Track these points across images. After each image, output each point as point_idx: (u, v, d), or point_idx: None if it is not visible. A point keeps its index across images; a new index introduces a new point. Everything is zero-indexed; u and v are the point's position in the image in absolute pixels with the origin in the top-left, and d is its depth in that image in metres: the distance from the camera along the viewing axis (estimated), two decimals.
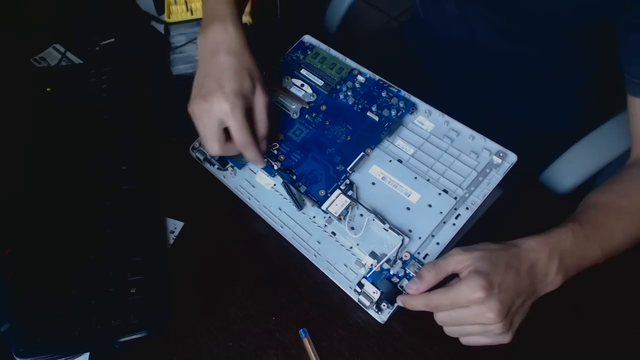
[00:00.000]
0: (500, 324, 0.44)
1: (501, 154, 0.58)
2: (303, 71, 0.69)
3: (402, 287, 0.53)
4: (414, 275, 0.53)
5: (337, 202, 0.58)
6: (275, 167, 0.62)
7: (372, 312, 0.53)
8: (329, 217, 0.58)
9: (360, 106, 0.65)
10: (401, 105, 0.64)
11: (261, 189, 0.62)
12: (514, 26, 0.65)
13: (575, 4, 0.56)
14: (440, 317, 0.47)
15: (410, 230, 0.56)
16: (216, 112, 0.54)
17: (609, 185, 0.54)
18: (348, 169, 0.60)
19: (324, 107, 0.66)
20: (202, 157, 0.64)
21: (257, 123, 0.58)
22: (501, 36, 0.68)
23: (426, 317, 0.48)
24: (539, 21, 0.61)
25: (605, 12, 0.55)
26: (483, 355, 0.51)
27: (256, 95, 0.57)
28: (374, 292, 0.52)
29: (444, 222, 0.56)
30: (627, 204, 0.51)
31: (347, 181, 0.60)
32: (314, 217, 0.59)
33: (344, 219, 0.57)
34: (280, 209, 0.60)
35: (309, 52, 0.71)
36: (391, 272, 0.53)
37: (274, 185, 0.62)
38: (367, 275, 0.54)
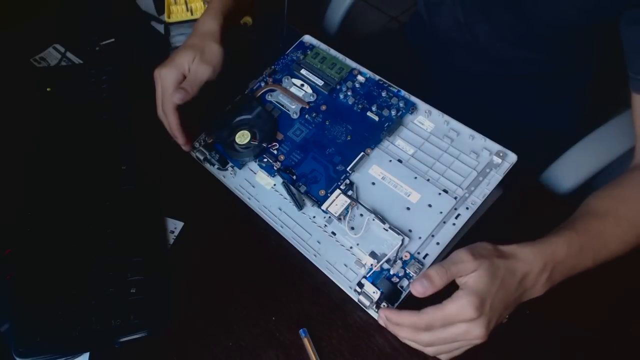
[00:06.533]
0: (486, 335, 0.44)
1: (501, 154, 0.58)
2: (303, 71, 0.69)
3: (402, 287, 0.53)
4: (414, 275, 0.53)
5: (337, 202, 0.58)
6: (275, 167, 0.62)
7: (372, 312, 0.53)
8: (329, 217, 0.58)
9: (360, 106, 0.65)
10: (401, 105, 0.64)
11: (261, 189, 0.62)
12: (519, 30, 0.65)
13: (581, 5, 0.56)
14: (425, 339, 0.46)
15: (410, 230, 0.56)
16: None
17: (609, 190, 0.54)
18: (348, 169, 0.60)
19: (324, 107, 0.66)
20: (202, 157, 0.64)
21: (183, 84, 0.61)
22: (504, 41, 0.68)
23: None
24: (546, 24, 0.61)
25: (612, 11, 0.55)
26: (480, 354, 0.51)
27: (193, 65, 0.62)
28: (374, 292, 0.52)
29: (444, 222, 0.56)
30: (625, 211, 0.51)
31: (347, 181, 0.60)
32: (314, 217, 0.59)
33: (344, 219, 0.57)
34: (280, 209, 0.60)
35: (309, 52, 0.71)
36: (391, 272, 0.53)
37: (274, 185, 0.62)
38: (367, 275, 0.54)
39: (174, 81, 0.61)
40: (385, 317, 0.48)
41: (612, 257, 0.50)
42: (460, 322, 0.43)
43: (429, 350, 0.47)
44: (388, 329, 0.48)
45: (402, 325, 0.47)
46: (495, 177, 0.58)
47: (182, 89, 0.60)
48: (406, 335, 0.47)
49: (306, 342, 0.53)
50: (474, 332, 0.44)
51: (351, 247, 0.56)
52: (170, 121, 0.62)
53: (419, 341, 0.46)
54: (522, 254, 0.46)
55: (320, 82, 0.67)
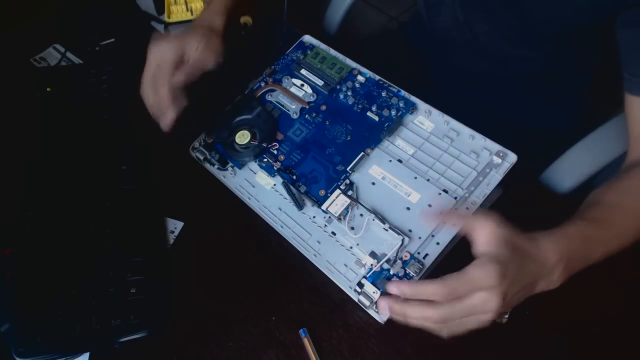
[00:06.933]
0: (498, 311, 0.43)
1: (501, 154, 0.58)
2: (303, 71, 0.69)
3: None
4: (414, 275, 0.53)
5: (337, 202, 0.58)
6: (275, 167, 0.62)
7: (372, 312, 0.53)
8: (329, 217, 0.58)
9: (360, 106, 0.65)
10: (401, 105, 0.64)
11: (261, 189, 0.62)
12: (519, 29, 0.65)
13: (580, 4, 0.56)
14: (437, 315, 0.43)
15: (410, 230, 0.56)
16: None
17: (612, 185, 0.53)
18: (348, 169, 0.60)
19: (324, 107, 0.66)
20: (202, 157, 0.64)
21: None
22: (504, 40, 0.68)
23: None
24: (545, 23, 0.61)
25: (610, 10, 0.55)
26: (480, 354, 0.51)
27: (198, 51, 0.61)
28: (374, 292, 0.52)
29: (444, 222, 0.56)
30: (630, 203, 0.51)
31: (347, 181, 0.60)
32: (314, 217, 0.59)
33: (344, 219, 0.57)
34: (280, 209, 0.60)
35: (309, 52, 0.71)
36: (391, 272, 0.53)
37: (274, 185, 0.62)
38: (367, 275, 0.54)
39: (174, 59, 0.59)
40: (398, 289, 0.45)
41: (619, 249, 0.49)
42: (481, 289, 0.42)
43: (436, 327, 0.44)
44: (392, 312, 0.46)
45: (413, 302, 0.44)
46: (495, 177, 0.58)
47: (185, 73, 0.59)
48: (415, 314, 0.44)
49: (306, 342, 0.53)
50: (490, 303, 0.42)
51: (351, 247, 0.56)
52: (162, 95, 0.59)
53: (431, 317, 0.43)
54: (543, 241, 0.46)
55: (320, 82, 0.68)
